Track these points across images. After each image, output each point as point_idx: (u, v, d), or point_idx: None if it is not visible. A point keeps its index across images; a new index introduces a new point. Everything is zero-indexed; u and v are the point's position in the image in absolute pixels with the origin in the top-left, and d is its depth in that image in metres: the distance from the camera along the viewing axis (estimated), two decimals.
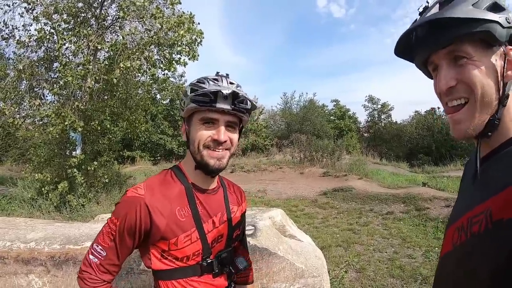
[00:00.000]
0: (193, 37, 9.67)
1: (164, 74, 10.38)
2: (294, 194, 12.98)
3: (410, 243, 7.11)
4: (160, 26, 8.89)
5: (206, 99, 1.31)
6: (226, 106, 1.33)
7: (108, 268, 1.36)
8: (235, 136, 1.43)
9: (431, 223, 8.46)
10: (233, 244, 1.58)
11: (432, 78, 1.03)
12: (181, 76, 28.58)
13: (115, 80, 8.67)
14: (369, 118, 36.86)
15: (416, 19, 0.99)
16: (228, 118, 1.37)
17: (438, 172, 19.49)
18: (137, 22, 9.08)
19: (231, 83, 1.38)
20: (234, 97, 1.34)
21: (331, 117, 35.10)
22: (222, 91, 1.30)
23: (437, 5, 0.94)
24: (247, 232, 3.33)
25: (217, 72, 1.42)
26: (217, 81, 1.36)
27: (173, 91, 27.19)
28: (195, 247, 1.39)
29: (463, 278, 0.84)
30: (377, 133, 34.71)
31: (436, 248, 6.65)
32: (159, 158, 25.74)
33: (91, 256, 1.37)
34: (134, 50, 8.90)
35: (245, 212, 1.74)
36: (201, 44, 9.91)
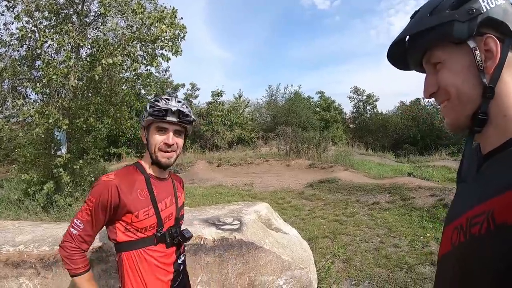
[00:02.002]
0: (176, 32, 9.61)
1: (147, 70, 10.29)
2: (280, 186, 13.05)
3: (395, 232, 7.21)
4: (141, 21, 8.83)
5: (160, 114, 1.81)
6: (174, 119, 1.85)
7: (84, 238, 1.77)
8: (180, 141, 1.94)
9: (416, 212, 8.56)
10: (180, 222, 2.07)
11: None
12: (166, 70, 28.46)
13: (97, 77, 8.60)
14: (355, 109, 37.06)
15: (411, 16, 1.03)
16: (175, 127, 1.89)
17: (423, 162, 19.68)
18: (119, 18, 9.00)
19: (178, 101, 1.88)
20: (180, 112, 1.85)
21: (316, 109, 35.13)
22: (171, 108, 1.81)
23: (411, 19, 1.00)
24: (233, 227, 3.39)
25: (170, 93, 2.09)
26: (168, 100, 1.86)
27: (158, 86, 27.15)
28: (151, 220, 1.83)
29: (463, 279, 0.83)
30: (363, 124, 34.95)
31: (422, 237, 6.77)
32: (144, 154, 25.43)
33: (71, 229, 1.77)
34: (116, 46, 8.83)
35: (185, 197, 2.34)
36: (184, 39, 9.86)
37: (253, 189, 13.01)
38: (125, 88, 10.97)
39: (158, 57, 9.78)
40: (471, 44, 0.86)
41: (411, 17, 1.00)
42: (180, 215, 2.07)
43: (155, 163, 1.91)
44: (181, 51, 9.78)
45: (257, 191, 12.47)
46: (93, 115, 10.07)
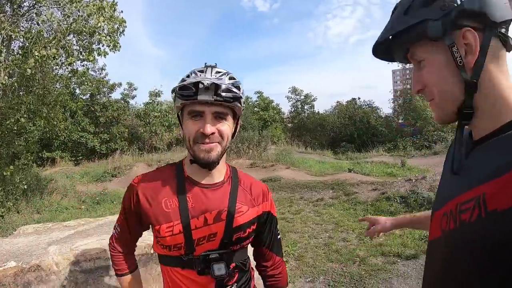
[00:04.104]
0: (115, 26, 9.05)
1: (83, 65, 9.62)
2: None
3: (343, 227, 7.27)
4: (78, 12, 8.21)
5: (189, 92, 1.29)
6: (208, 98, 1.29)
7: (122, 242, 1.60)
8: (225, 127, 1.37)
9: (360, 206, 8.75)
10: (232, 246, 1.47)
11: None
12: (102, 69, 27.14)
13: (29, 71, 7.82)
14: (293, 109, 37.79)
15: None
16: (215, 109, 1.33)
17: (361, 158, 20.31)
18: (54, 8, 8.32)
19: (217, 72, 1.35)
20: (216, 87, 1.29)
21: (255, 109, 35.33)
22: (202, 81, 1.27)
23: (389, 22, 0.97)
24: None
25: (205, 63, 1.41)
26: (202, 72, 1.34)
27: (93, 85, 25.92)
28: (176, 239, 1.39)
29: (453, 265, 0.83)
30: (301, 123, 35.59)
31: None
32: (80, 158, 24.04)
33: (113, 230, 1.63)
34: (51, 38, 8.15)
35: (267, 214, 1.61)
36: (123, 34, 9.33)
37: None
38: (59, 86, 10.22)
39: (95, 51, 9.14)
40: (447, 41, 0.84)
41: (392, 12, 0.98)
42: (234, 238, 1.46)
43: (195, 160, 1.39)
44: (120, 46, 9.24)
45: None
46: (25, 116, 9.24)
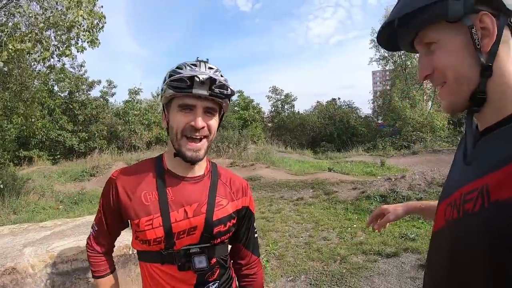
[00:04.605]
0: (95, 22, 8.83)
1: (59, 61, 9.36)
2: None
3: (323, 226, 7.26)
4: (56, 5, 7.98)
5: (183, 85, 1.28)
6: (203, 92, 1.29)
7: (100, 241, 1.54)
8: (213, 123, 1.39)
9: (340, 205, 8.75)
10: (213, 240, 1.45)
11: None
12: (81, 66, 26.67)
13: (1, 64, 7.60)
14: (273, 108, 38.10)
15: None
16: (206, 104, 1.34)
17: (341, 158, 20.48)
18: (34, 2, 8.08)
19: (210, 68, 1.34)
20: (212, 82, 1.29)
21: (235, 108, 35.40)
22: (198, 76, 1.26)
23: None
24: None
25: (197, 58, 1.39)
26: (195, 66, 1.32)
27: (72, 83, 25.43)
28: (156, 233, 1.36)
29: (457, 255, 0.83)
30: (281, 122, 35.90)
31: (349, 229, 6.88)
32: (58, 156, 23.67)
33: (91, 230, 1.57)
34: (27, 32, 7.91)
35: (246, 210, 1.59)
36: (102, 30, 9.12)
37: None
38: (37, 83, 9.93)
39: (72, 46, 8.89)
40: (468, 22, 0.82)
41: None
42: (214, 231, 1.43)
43: (179, 155, 1.37)
44: (99, 42, 9.03)
45: None
46: (1, 113, 8.96)
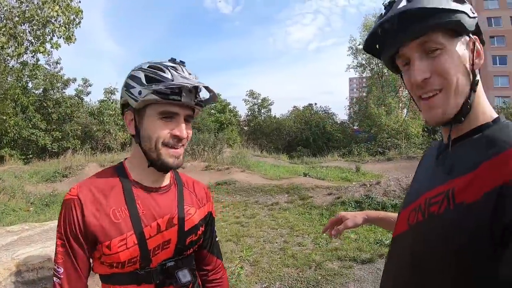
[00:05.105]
0: (71, 17, 8.54)
1: (33, 57, 9.04)
2: None
3: (298, 231, 7.19)
4: None
5: (169, 91, 1.17)
6: (190, 101, 1.21)
7: (71, 286, 1.20)
8: (191, 131, 1.31)
9: (315, 210, 8.71)
10: (186, 251, 1.36)
11: (398, 73, 1.04)
12: (57, 63, 26.06)
13: None
14: (250, 112, 38.19)
15: (382, 13, 0.98)
16: (187, 112, 1.25)
17: (316, 163, 20.64)
18: None
19: (189, 73, 1.25)
20: (196, 90, 1.24)
21: (211, 111, 35.32)
22: (188, 85, 1.17)
23: None
24: None
25: (172, 58, 1.29)
26: (177, 70, 1.21)
27: (47, 80, 24.81)
28: (131, 253, 1.20)
29: (421, 258, 0.87)
30: (257, 126, 36.03)
31: (324, 234, 6.70)
32: (31, 156, 22.98)
33: (54, 279, 1.22)
34: (2, 25, 7.61)
35: (209, 215, 1.52)
36: (79, 26, 8.83)
37: None
38: (10, 79, 9.60)
39: (47, 43, 8.60)
40: (473, 39, 0.92)
41: (386, 7, 0.97)
42: (187, 242, 1.34)
43: (157, 164, 1.25)
44: (75, 38, 8.74)
45: None
46: None
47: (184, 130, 1.23)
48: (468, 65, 0.90)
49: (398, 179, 9.68)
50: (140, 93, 1.18)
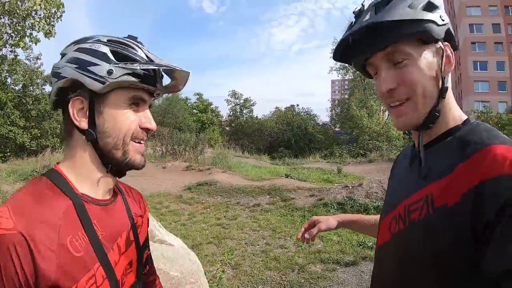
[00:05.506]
0: (53, 10, 8.28)
1: (12, 51, 8.76)
2: (157, 190, 12.22)
3: (280, 233, 7.12)
4: None
5: (146, 75, 0.95)
6: (162, 87, 1.02)
7: None
8: None
9: (297, 212, 8.66)
10: (144, 270, 1.13)
11: (371, 78, 1.04)
12: (37, 58, 25.52)
13: None
14: (232, 112, 38.22)
15: (352, 22, 0.99)
16: (150, 101, 1.03)
17: (298, 164, 20.63)
18: None
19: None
20: (162, 76, 1.03)
21: (193, 111, 35.29)
22: (173, 68, 0.98)
23: (373, 9, 0.93)
24: None
25: (131, 36, 1.03)
26: (141, 48, 0.98)
27: (27, 76, 24.24)
28: None
29: (405, 266, 0.88)
30: (239, 127, 36.12)
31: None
32: (8, 154, 22.46)
33: None
34: None
35: (148, 221, 1.25)
36: (61, 20, 8.58)
37: None
38: None
39: (27, 37, 8.34)
40: (442, 46, 0.92)
41: (356, 16, 0.97)
42: (144, 258, 1.13)
43: (120, 166, 0.99)
44: (55, 33, 8.48)
45: None
46: None
47: (153, 120, 1.02)
48: (436, 73, 0.91)
49: (380, 181, 9.70)
50: (110, 72, 0.91)
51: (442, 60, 0.92)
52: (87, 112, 0.94)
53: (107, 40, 0.95)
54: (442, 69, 0.92)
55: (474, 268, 0.73)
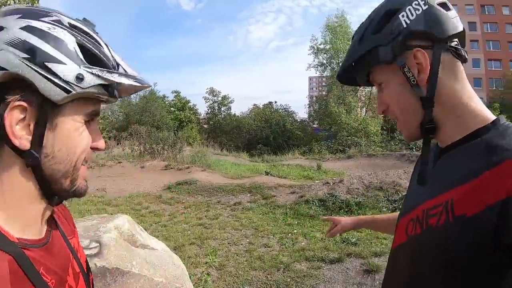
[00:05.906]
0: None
1: None
2: (136, 190, 11.95)
3: (263, 232, 7.06)
4: None
5: (110, 84, 0.72)
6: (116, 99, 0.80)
7: None
8: None
9: (279, 210, 8.59)
10: None
11: None
12: None
13: None
14: (209, 110, 38.25)
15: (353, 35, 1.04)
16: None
17: (277, 161, 20.61)
18: None
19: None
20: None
21: (171, 108, 34.99)
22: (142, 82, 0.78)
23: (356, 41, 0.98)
24: (91, 252, 2.65)
25: (86, 19, 0.78)
26: (107, 45, 0.77)
27: None
28: None
29: (418, 269, 0.86)
30: (217, 124, 36.07)
31: (290, 234, 6.73)
32: None
33: None
34: None
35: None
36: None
37: (106, 194, 11.50)
38: None
39: None
40: (400, 62, 0.88)
41: (352, 37, 1.02)
42: (92, 284, 0.94)
43: (63, 196, 0.77)
44: None
45: (111, 197, 11.09)
46: None
47: (102, 138, 0.81)
48: (409, 87, 0.89)
49: (361, 177, 9.73)
50: (80, 78, 0.67)
51: (410, 72, 0.88)
52: (32, 126, 0.66)
53: (69, 24, 0.70)
54: (413, 81, 0.88)
55: (486, 281, 0.71)
